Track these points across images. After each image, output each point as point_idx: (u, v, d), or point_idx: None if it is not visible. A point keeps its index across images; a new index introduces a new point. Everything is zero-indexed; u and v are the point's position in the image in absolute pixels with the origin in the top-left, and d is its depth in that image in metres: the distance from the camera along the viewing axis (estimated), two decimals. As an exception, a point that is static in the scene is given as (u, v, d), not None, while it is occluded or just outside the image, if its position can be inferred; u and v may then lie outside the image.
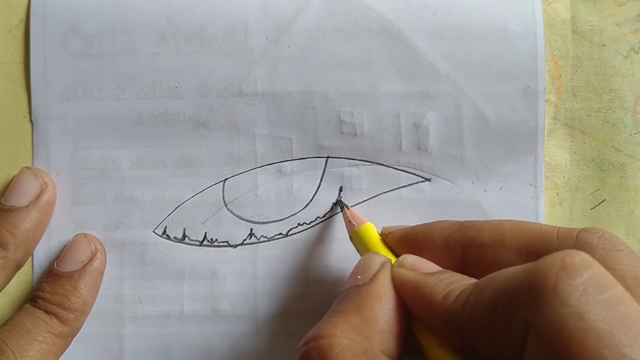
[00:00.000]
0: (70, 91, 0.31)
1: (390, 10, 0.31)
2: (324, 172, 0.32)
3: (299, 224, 0.32)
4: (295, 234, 0.32)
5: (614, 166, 0.32)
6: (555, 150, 0.32)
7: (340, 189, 0.32)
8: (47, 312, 0.29)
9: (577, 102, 0.32)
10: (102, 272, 0.31)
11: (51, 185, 0.31)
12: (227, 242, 0.32)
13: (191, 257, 0.32)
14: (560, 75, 0.32)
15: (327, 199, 0.32)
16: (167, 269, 0.31)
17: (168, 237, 0.31)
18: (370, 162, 0.32)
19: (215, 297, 0.31)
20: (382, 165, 0.32)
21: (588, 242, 0.22)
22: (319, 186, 0.32)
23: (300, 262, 0.31)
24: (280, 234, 0.32)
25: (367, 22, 0.31)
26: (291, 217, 0.32)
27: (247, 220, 0.32)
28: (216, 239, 0.32)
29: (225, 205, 0.32)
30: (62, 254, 0.30)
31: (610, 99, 0.32)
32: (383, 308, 0.23)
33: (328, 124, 0.31)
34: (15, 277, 0.30)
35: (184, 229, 0.32)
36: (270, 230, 0.32)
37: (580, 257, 0.18)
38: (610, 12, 0.32)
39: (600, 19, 0.32)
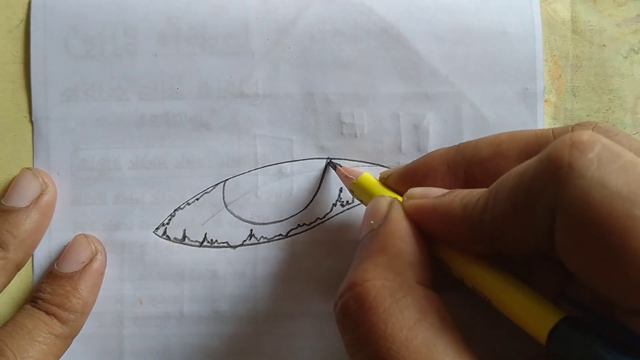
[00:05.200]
0: (70, 92, 0.31)
1: (390, 12, 0.31)
2: (324, 173, 0.32)
3: (299, 225, 0.32)
4: (295, 235, 0.32)
5: (613, 167, 0.32)
6: (554, 151, 0.32)
7: (341, 190, 0.32)
8: (47, 312, 0.29)
9: (576, 102, 0.32)
10: (102, 273, 0.31)
11: (51, 186, 0.31)
12: (227, 242, 0.32)
13: (191, 258, 0.31)
14: (560, 75, 0.32)
15: (327, 200, 0.32)
16: (167, 269, 0.31)
17: (168, 238, 0.31)
18: (371, 163, 0.32)
19: (215, 298, 0.31)
20: (382, 166, 0.32)
21: None
22: (319, 187, 0.32)
23: (300, 263, 0.31)
24: (280, 235, 0.32)
25: (368, 24, 0.31)
26: (291, 218, 0.32)
27: (247, 221, 0.32)
28: (216, 240, 0.32)
29: (226, 206, 0.32)
30: (62, 254, 0.30)
31: (610, 99, 0.32)
32: (405, 242, 0.23)
33: (328, 125, 0.32)
34: (15, 277, 0.30)
35: (184, 230, 0.32)
36: (270, 231, 0.32)
37: (587, 134, 0.19)
38: (610, 12, 0.32)
39: (600, 19, 0.32)
